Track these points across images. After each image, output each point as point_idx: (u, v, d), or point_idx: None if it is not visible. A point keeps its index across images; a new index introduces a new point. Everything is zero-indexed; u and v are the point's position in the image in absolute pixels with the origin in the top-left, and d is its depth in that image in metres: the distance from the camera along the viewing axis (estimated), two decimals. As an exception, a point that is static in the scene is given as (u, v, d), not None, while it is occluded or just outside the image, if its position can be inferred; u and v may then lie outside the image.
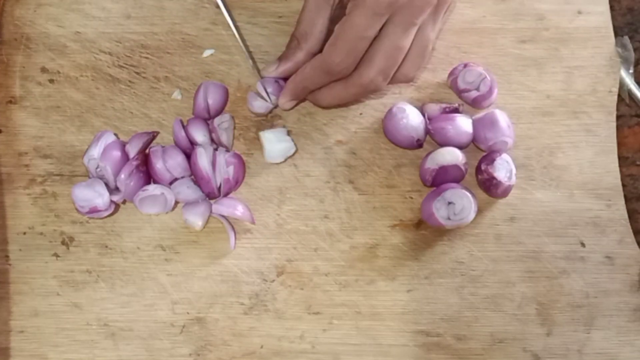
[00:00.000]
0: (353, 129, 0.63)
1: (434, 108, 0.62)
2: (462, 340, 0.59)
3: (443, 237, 0.61)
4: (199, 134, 0.61)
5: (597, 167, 0.62)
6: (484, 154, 0.61)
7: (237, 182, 0.61)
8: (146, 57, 0.65)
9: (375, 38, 0.56)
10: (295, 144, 0.62)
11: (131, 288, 0.60)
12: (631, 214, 0.62)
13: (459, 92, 0.63)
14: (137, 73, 0.65)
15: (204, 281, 0.60)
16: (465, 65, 0.63)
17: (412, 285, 0.60)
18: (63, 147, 0.63)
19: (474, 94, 0.62)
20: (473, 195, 0.59)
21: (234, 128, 0.63)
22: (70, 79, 0.65)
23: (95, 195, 0.59)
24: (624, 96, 0.65)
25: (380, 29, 0.56)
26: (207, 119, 0.63)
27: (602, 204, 0.61)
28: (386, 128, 0.62)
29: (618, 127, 0.63)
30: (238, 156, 0.61)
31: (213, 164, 0.60)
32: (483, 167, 0.60)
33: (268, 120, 0.63)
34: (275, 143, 0.61)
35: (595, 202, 0.61)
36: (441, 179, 0.60)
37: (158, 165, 0.60)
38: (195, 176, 0.61)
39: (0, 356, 0.59)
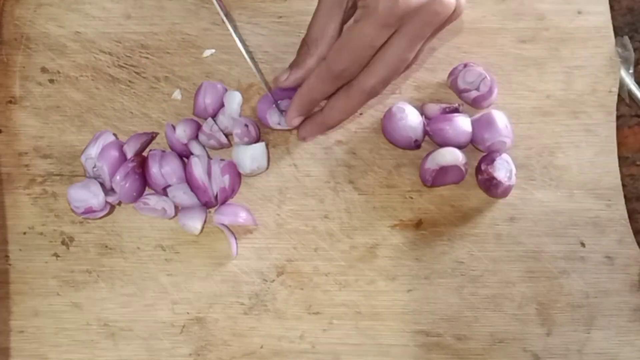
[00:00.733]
0: (353, 129, 0.63)
1: (433, 108, 0.62)
2: (462, 340, 0.59)
3: (443, 237, 0.61)
4: (192, 141, 0.61)
5: (597, 167, 0.62)
6: (484, 154, 0.61)
7: (233, 191, 0.61)
8: (146, 57, 0.65)
9: (381, 46, 0.55)
10: (268, 163, 0.61)
11: (131, 288, 0.60)
12: (631, 214, 0.62)
13: (459, 92, 0.63)
14: (137, 73, 0.65)
15: (204, 281, 0.60)
16: (465, 65, 0.63)
17: (412, 285, 0.60)
18: (63, 147, 0.63)
19: (474, 94, 0.62)
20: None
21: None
22: (70, 79, 0.65)
23: (90, 196, 0.59)
24: (624, 96, 0.65)
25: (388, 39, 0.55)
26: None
27: (602, 204, 0.61)
28: (385, 128, 0.62)
29: (618, 127, 0.63)
30: (233, 164, 0.61)
31: (209, 173, 0.60)
32: (483, 167, 0.60)
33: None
34: (247, 159, 0.60)
35: (595, 202, 0.61)
36: (441, 179, 0.60)
37: (154, 169, 0.60)
38: (191, 186, 0.60)
39: (0, 356, 0.59)
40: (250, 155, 0.60)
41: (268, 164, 0.62)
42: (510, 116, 0.62)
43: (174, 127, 0.61)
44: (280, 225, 0.61)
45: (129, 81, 0.65)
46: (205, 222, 0.61)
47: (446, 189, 0.62)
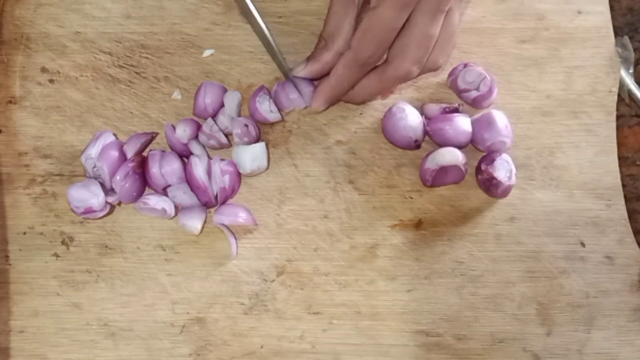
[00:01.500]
0: (353, 129, 0.63)
1: (433, 108, 0.62)
2: (462, 340, 0.59)
3: (443, 237, 0.61)
4: (192, 141, 0.61)
5: (597, 167, 0.62)
6: (484, 154, 0.61)
7: (233, 191, 0.61)
8: (146, 57, 0.65)
9: (404, 27, 0.56)
10: (268, 163, 0.61)
11: (131, 288, 0.60)
12: (631, 214, 0.62)
13: (459, 92, 0.63)
14: (137, 73, 0.65)
15: (204, 281, 0.60)
16: (465, 65, 0.63)
17: (412, 285, 0.60)
18: (63, 147, 0.63)
19: (474, 94, 0.62)
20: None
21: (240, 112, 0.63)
22: (70, 79, 0.65)
23: (90, 196, 0.59)
24: (624, 96, 0.65)
25: (408, 19, 0.56)
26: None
27: (602, 204, 0.61)
28: (385, 127, 0.62)
29: (618, 127, 0.63)
30: (233, 164, 0.61)
31: (209, 173, 0.60)
32: (483, 167, 0.60)
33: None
34: (247, 159, 0.60)
35: (595, 202, 0.61)
36: (441, 179, 0.60)
37: (154, 169, 0.60)
38: (191, 186, 0.60)
39: (0, 356, 0.59)
40: (251, 155, 0.60)
41: (268, 164, 0.62)
42: (510, 116, 0.62)
43: (174, 127, 0.61)
44: (280, 225, 0.61)
45: (129, 81, 0.65)
46: (205, 222, 0.61)
47: (446, 189, 0.62)
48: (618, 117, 0.64)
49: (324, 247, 0.61)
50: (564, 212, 0.61)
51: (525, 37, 0.65)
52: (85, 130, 0.63)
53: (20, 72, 0.65)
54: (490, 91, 0.62)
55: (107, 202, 0.60)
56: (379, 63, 0.59)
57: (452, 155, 0.59)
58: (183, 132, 0.61)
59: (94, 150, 0.61)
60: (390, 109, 0.62)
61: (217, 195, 0.61)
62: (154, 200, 0.60)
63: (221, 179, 0.60)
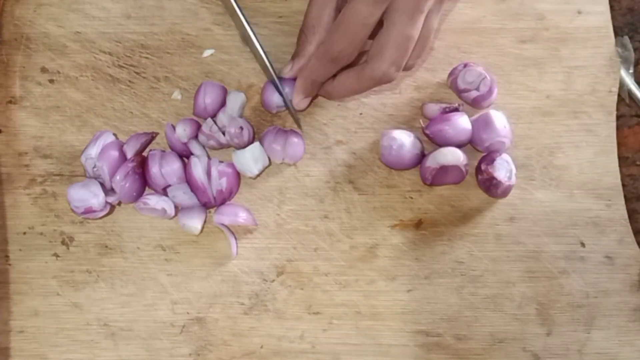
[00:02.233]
0: (353, 129, 0.63)
1: (433, 108, 0.62)
2: (462, 340, 0.59)
3: (443, 237, 0.61)
4: (192, 141, 0.61)
5: (597, 167, 0.62)
6: (484, 154, 0.61)
7: (231, 193, 0.61)
8: (146, 57, 0.65)
9: (383, 28, 0.56)
10: (268, 156, 0.61)
11: (131, 288, 0.60)
12: (631, 214, 0.62)
13: (459, 92, 0.63)
14: (137, 73, 0.65)
15: (204, 281, 0.60)
16: (465, 65, 0.63)
17: (412, 285, 0.60)
18: (63, 147, 0.63)
19: (473, 94, 0.62)
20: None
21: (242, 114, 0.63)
22: (70, 79, 0.65)
23: (90, 196, 0.59)
24: (624, 96, 0.65)
25: (386, 18, 0.55)
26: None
27: (602, 204, 0.61)
28: (388, 161, 0.61)
29: (618, 127, 0.63)
30: (232, 166, 0.61)
31: (208, 173, 0.60)
32: (483, 167, 0.60)
33: (267, 120, 0.63)
34: (251, 162, 0.60)
35: (595, 202, 0.61)
36: (441, 178, 0.60)
37: (154, 169, 0.60)
38: (190, 186, 0.60)
39: (0, 356, 0.59)
40: (252, 157, 0.60)
41: (270, 162, 0.62)
42: (510, 116, 0.62)
43: (174, 127, 0.61)
44: (280, 225, 0.61)
45: (129, 81, 0.65)
46: (205, 222, 0.61)
47: (446, 189, 0.62)
48: (618, 117, 0.64)
49: (324, 247, 0.61)
50: (564, 212, 0.61)
51: (525, 37, 0.65)
52: (85, 130, 0.63)
53: (20, 72, 0.65)
54: (490, 91, 0.62)
55: (107, 202, 0.60)
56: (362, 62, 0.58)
57: (453, 155, 0.59)
58: (183, 132, 0.61)
59: (94, 150, 0.61)
60: (382, 143, 0.61)
61: (215, 197, 0.61)
62: (154, 200, 0.60)
63: (218, 182, 0.60)
